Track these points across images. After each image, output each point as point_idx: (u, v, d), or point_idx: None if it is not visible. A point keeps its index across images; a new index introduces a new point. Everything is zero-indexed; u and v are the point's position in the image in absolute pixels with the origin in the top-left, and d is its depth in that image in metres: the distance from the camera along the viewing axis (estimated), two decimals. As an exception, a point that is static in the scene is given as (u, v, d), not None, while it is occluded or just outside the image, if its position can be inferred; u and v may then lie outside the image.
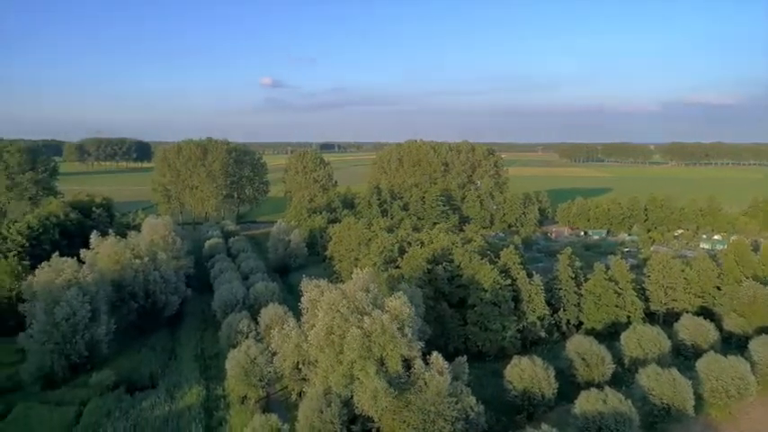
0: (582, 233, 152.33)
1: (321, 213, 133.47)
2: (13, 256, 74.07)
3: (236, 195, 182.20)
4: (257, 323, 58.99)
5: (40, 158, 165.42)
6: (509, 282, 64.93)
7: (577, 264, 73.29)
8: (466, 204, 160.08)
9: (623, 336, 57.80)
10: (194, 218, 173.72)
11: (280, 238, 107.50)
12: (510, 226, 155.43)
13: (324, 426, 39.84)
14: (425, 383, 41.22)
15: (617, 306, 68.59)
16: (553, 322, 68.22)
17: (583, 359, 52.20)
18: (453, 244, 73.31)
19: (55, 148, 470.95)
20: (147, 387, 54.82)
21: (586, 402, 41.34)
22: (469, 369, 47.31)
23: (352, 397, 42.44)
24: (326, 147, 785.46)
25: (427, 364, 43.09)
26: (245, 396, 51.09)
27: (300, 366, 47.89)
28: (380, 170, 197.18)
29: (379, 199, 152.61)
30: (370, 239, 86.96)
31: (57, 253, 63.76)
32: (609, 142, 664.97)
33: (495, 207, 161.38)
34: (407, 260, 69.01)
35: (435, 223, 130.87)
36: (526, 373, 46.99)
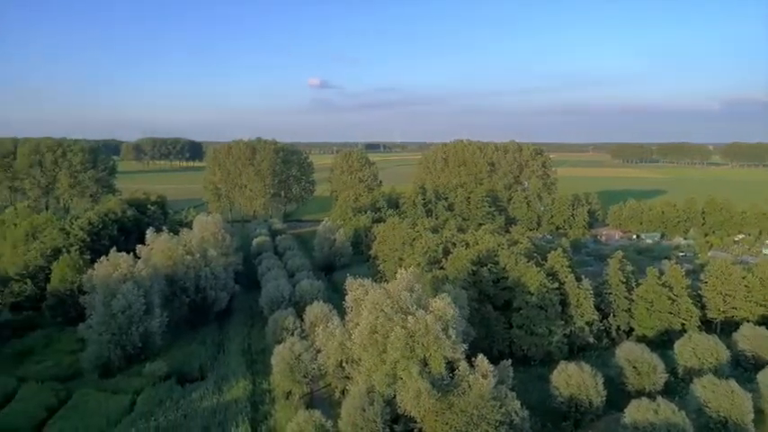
0: (634, 236, 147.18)
1: (366, 213, 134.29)
2: (75, 250, 78.10)
3: (283, 194, 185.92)
4: (302, 320, 59.93)
5: (101, 158, 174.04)
6: (556, 285, 63.44)
7: (629, 268, 70.81)
8: (512, 205, 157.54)
9: (677, 344, 55.41)
10: (243, 216, 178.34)
11: (325, 236, 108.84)
12: (558, 228, 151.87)
13: (366, 424, 40.03)
14: (469, 386, 40.78)
15: (671, 313, 65.86)
16: (602, 328, 66.18)
17: (633, 367, 50.39)
18: (499, 245, 72.24)
19: (114, 147, 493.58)
20: (196, 379, 56.68)
21: (636, 412, 39.86)
22: (514, 373, 46.45)
23: (394, 396, 42.49)
24: (372, 147, 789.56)
25: (471, 366, 42.62)
26: (290, 392, 51.99)
27: (344, 364, 48.31)
28: (425, 170, 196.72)
29: (423, 199, 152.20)
30: (414, 239, 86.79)
31: (114, 248, 66.90)
32: (665, 142, 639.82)
33: (542, 208, 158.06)
34: (452, 261, 68.49)
35: (481, 224, 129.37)
36: (573, 380, 45.78)
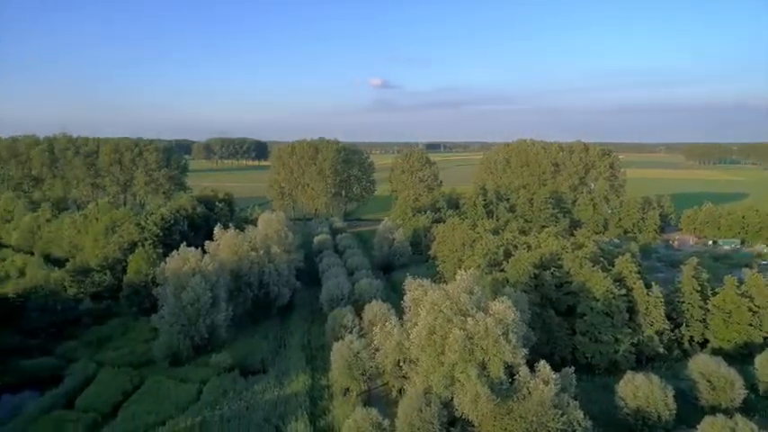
0: (710, 242, 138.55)
1: (425, 213, 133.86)
2: (149, 244, 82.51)
3: (344, 193, 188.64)
4: (361, 318, 60.52)
5: (173, 157, 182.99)
6: (624, 291, 60.75)
7: (704, 276, 66.65)
8: (577, 207, 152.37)
9: (759, 359, 51.73)
10: (305, 214, 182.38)
11: (384, 236, 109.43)
12: (626, 232, 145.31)
13: (423, 425, 39.91)
14: (529, 392, 39.84)
15: (751, 325, 61.50)
16: (673, 338, 62.72)
17: (708, 381, 47.45)
18: (563, 249, 70.01)
19: (186, 147, 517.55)
20: (258, 372, 58.43)
21: (711, 429, 37.57)
22: (577, 381, 44.93)
23: (452, 399, 42.15)
24: (432, 147, 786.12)
25: (532, 372, 41.61)
26: (348, 388, 52.62)
27: (401, 364, 48.41)
28: (487, 170, 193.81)
29: (484, 200, 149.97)
30: (474, 241, 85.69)
31: (185, 243, 69.91)
32: (747, 142, 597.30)
33: (609, 211, 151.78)
34: (513, 264, 67.06)
35: (543, 226, 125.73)
36: (641, 391, 43.70)
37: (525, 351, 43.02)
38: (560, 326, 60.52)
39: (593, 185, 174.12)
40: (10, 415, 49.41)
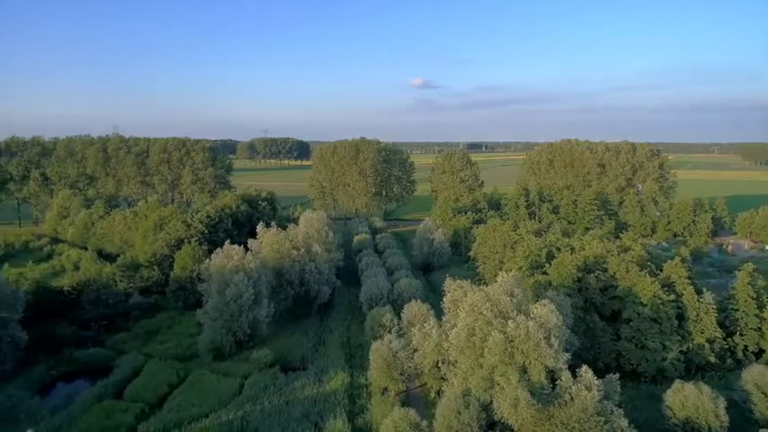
0: (766, 248, 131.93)
1: (466, 213, 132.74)
2: (195, 241, 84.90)
3: (384, 193, 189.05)
4: (400, 318, 60.52)
5: (219, 156, 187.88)
6: (673, 297, 58.51)
7: (760, 283, 63.51)
8: (624, 210, 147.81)
9: (819, 371, 48.80)
10: (345, 213, 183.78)
11: (424, 236, 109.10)
12: (676, 235, 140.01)
13: (461, 427, 39.56)
14: (571, 398, 38.87)
15: (812, 335, 58.23)
16: (726, 347, 59.98)
17: (763, 393, 45.15)
18: (608, 252, 68.03)
19: (230, 147, 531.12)
20: (298, 368, 59.16)
21: (766, 443, 35.76)
22: (622, 389, 43.54)
23: (491, 402, 41.58)
24: (474, 146, 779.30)
25: (574, 377, 40.61)
26: (386, 388, 52.72)
27: (440, 365, 48.14)
28: (529, 171, 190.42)
29: (527, 201, 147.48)
30: (515, 242, 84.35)
31: (228, 240, 71.59)
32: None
33: (658, 214, 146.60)
34: (556, 266, 65.61)
35: (588, 229, 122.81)
36: (690, 401, 41.99)
37: (568, 356, 42.01)
38: (604, 331, 58.85)
39: (640, 187, 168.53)
40: (64, 402, 51.82)
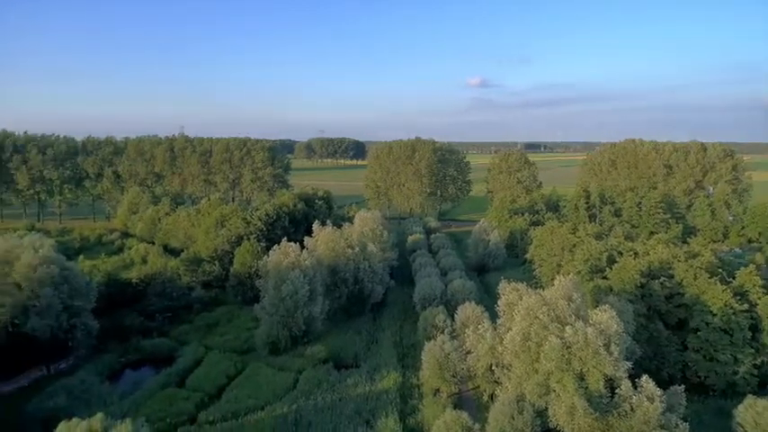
0: None
1: (523, 215, 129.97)
2: (254, 238, 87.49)
3: (439, 193, 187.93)
4: (453, 319, 59.99)
5: (278, 156, 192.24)
6: (746, 307, 54.94)
7: None
8: (692, 213, 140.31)
9: None
10: (399, 213, 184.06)
11: (479, 237, 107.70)
12: (751, 241, 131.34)
13: (515, 433, 38.82)
14: (632, 408, 37.29)
15: None
16: (806, 362, 55.79)
17: None
18: (674, 257, 64.75)
19: (289, 146, 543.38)
20: (351, 366, 59.84)
21: None
22: (688, 402, 41.32)
23: (546, 408, 40.54)
24: (532, 146, 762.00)
25: (635, 387, 38.93)
26: (438, 389, 52.44)
27: (494, 368, 47.37)
28: (590, 172, 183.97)
29: (587, 203, 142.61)
30: (574, 245, 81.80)
31: (285, 238, 73.26)
32: None
33: (731, 218, 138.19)
34: (617, 271, 63.12)
35: (653, 233, 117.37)
36: (764, 418, 39.33)
37: (628, 365, 40.29)
38: (669, 340, 56.06)
39: (711, 189, 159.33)
40: (131, 389, 54.72)
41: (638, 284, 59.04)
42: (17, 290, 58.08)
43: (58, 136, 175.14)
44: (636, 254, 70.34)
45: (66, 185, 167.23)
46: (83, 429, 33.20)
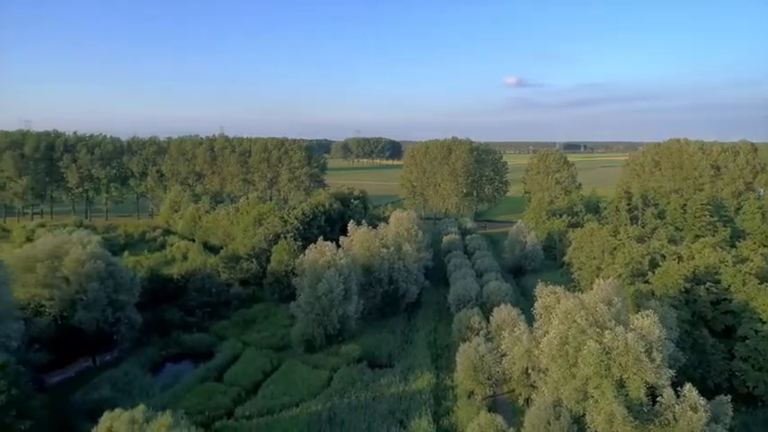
0: None
1: (561, 216, 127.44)
2: (291, 237, 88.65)
3: (475, 194, 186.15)
4: (488, 322, 59.36)
5: (314, 156, 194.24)
6: (799, 315, 52.40)
7: None
8: (742, 216, 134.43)
9: None
10: (435, 213, 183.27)
11: (516, 239, 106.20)
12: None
13: (551, 439, 38.10)
14: (674, 418, 36.07)
15: None
16: None
17: None
18: (721, 262, 62.29)
19: (325, 146, 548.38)
20: (385, 365, 59.95)
21: None
22: (735, 413, 39.61)
23: (583, 415, 39.65)
24: (571, 147, 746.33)
25: (677, 396, 37.63)
26: (472, 391, 51.98)
27: (530, 372, 46.67)
28: (632, 173, 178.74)
29: (628, 204, 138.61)
30: (615, 248, 79.68)
31: (321, 237, 73.97)
32: None
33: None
34: (660, 275, 61.15)
35: (698, 236, 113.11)
36: (818, 433, 37.44)
37: (671, 372, 38.99)
38: (715, 348, 53.90)
39: (762, 192, 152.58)
40: (172, 381, 56.27)
41: (683, 289, 57.07)
42: (66, 284, 60.57)
43: (105, 136, 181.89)
44: (680, 258, 68.03)
45: (112, 184, 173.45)
46: (125, 420, 34.36)
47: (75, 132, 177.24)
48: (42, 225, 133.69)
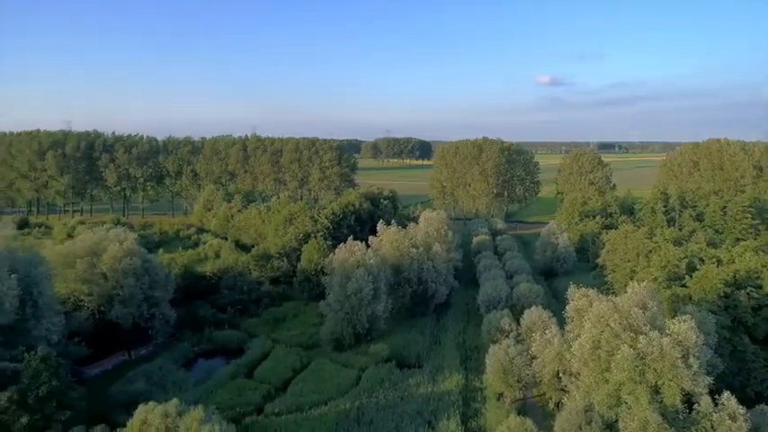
0: None
1: (594, 218, 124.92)
2: (321, 236, 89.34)
3: (506, 194, 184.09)
4: (518, 324, 58.63)
5: (344, 156, 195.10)
6: None
7: None
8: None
9: None
10: (465, 214, 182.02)
11: (548, 240, 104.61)
12: None
13: (582, 444, 37.38)
14: (712, 427, 34.93)
15: None
16: None
17: None
18: (764, 266, 60.04)
19: (355, 146, 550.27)
20: (413, 365, 59.84)
21: None
22: (776, 423, 38.23)
23: (616, 421, 38.75)
24: (606, 146, 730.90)
25: (715, 404, 36.42)
26: (502, 394, 51.43)
27: (560, 375, 45.90)
28: (669, 173, 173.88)
29: (665, 206, 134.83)
30: (651, 251, 77.65)
31: (351, 236, 74.29)
32: None
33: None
34: (698, 280, 59.31)
35: (739, 239, 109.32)
36: None
37: (709, 380, 37.78)
38: (756, 355, 51.97)
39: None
40: (204, 377, 57.41)
41: (722, 294, 55.24)
42: (104, 280, 62.46)
43: (142, 136, 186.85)
44: (719, 261, 65.85)
45: (148, 182, 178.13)
46: (159, 413, 35.24)
47: (113, 132, 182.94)
48: (82, 222, 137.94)
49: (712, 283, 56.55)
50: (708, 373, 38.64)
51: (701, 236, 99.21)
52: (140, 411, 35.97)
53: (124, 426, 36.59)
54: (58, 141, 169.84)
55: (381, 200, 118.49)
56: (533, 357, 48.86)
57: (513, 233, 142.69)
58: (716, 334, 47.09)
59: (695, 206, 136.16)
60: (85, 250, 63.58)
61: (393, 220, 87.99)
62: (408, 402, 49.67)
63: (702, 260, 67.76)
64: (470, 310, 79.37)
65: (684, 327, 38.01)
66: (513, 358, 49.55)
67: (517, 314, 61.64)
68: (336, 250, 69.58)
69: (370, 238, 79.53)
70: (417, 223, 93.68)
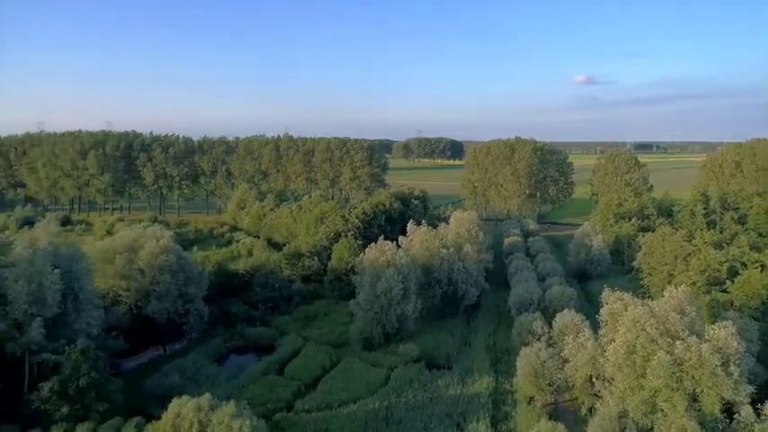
0: None
1: (630, 220, 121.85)
2: (351, 235, 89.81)
3: (538, 195, 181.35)
4: (551, 327, 57.67)
5: (375, 156, 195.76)
6: None
7: None
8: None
9: None
10: (497, 214, 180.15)
11: (582, 242, 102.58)
12: None
13: (615, 451, 36.56)
14: (753, 437, 33.72)
15: None
16: None
17: None
18: (811, 271, 57.66)
19: (386, 146, 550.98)
20: (443, 366, 59.54)
21: None
22: (823, 435, 36.58)
23: (651, 428, 37.83)
24: (643, 146, 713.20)
25: (758, 414, 35.12)
26: (533, 397, 50.69)
27: (594, 380, 45.01)
28: (710, 174, 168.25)
29: (705, 208, 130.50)
30: (690, 254, 75.35)
31: (382, 236, 74.41)
32: None
33: None
34: (740, 284, 57.31)
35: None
36: None
37: (751, 389, 36.49)
38: (802, 365, 49.86)
39: None
40: (236, 373, 58.44)
41: (765, 300, 53.22)
42: (141, 275, 64.23)
43: (178, 136, 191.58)
44: (763, 266, 63.43)
45: (184, 181, 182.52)
46: (192, 407, 36.05)
47: (151, 132, 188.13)
48: (121, 220, 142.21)
49: (755, 288, 54.62)
50: (750, 382, 37.35)
51: (743, 239, 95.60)
52: (174, 405, 36.87)
53: (159, 418, 37.57)
54: (99, 141, 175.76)
55: (412, 200, 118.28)
56: (565, 361, 48.01)
57: (546, 235, 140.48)
58: (758, 341, 45.43)
59: (737, 208, 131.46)
60: (124, 247, 65.50)
61: (423, 221, 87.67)
62: (437, 403, 49.46)
63: (745, 264, 65.47)
64: (501, 312, 78.51)
65: (725, 333, 36.81)
66: (545, 361, 48.77)
67: (549, 317, 60.65)
68: (367, 250, 69.81)
69: (401, 237, 79.48)
70: (448, 224, 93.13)
